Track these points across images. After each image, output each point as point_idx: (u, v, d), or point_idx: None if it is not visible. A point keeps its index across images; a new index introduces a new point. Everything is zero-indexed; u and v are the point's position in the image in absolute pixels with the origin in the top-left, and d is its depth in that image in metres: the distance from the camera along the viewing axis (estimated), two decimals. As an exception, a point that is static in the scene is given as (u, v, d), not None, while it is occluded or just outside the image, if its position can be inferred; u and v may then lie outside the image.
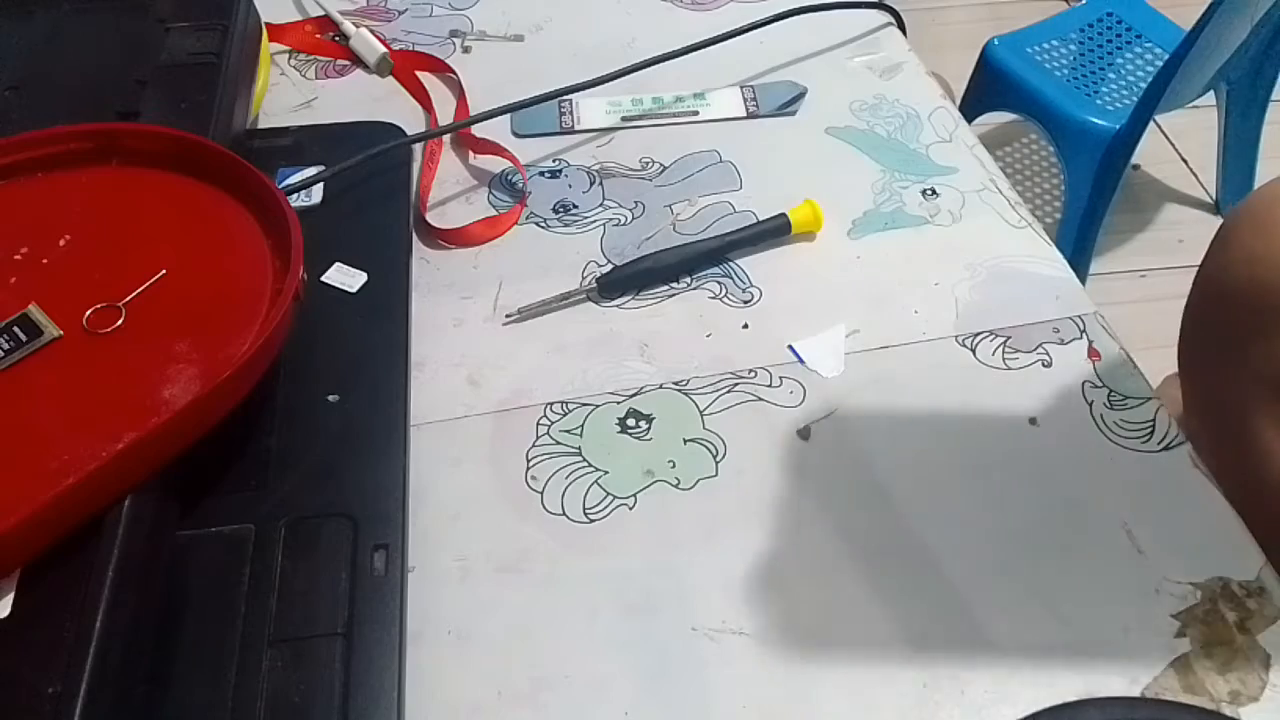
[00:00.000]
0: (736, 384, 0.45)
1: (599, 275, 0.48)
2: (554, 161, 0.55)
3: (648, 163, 0.55)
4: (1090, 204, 1.22)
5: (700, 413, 0.44)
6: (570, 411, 0.44)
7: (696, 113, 0.58)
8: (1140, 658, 0.37)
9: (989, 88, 1.32)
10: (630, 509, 0.41)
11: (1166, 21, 1.40)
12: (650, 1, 0.66)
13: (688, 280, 0.49)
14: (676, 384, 0.45)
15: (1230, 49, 1.14)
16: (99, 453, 0.32)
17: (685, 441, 0.43)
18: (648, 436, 0.43)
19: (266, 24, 0.57)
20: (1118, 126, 1.18)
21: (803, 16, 0.62)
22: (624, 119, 0.58)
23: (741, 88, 0.60)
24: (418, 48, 0.62)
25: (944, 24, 1.81)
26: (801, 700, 0.36)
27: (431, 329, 0.46)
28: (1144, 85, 1.19)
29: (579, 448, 0.43)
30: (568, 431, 0.43)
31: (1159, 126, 1.56)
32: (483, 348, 0.46)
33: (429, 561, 0.39)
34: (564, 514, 0.41)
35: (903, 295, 0.49)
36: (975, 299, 0.48)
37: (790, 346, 0.46)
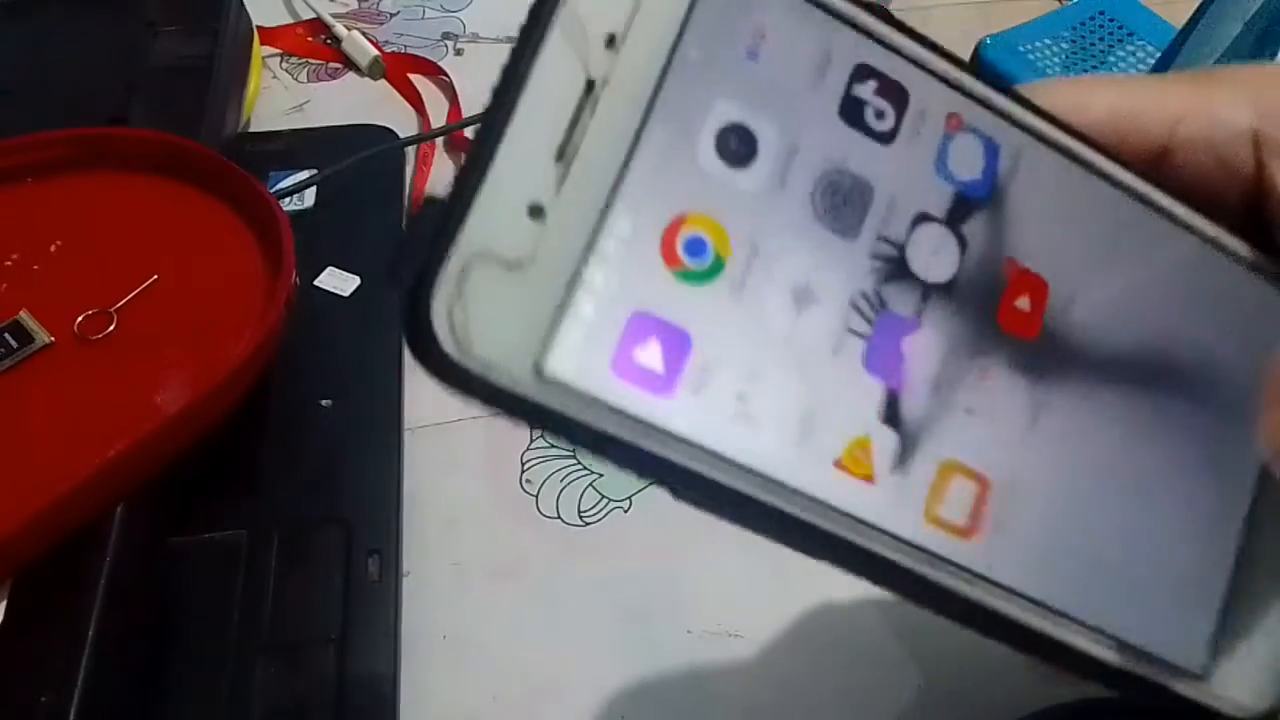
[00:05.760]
0: (731, 386, 0.45)
1: (592, 277, 0.48)
2: (547, 163, 0.55)
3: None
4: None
5: (695, 415, 0.44)
6: (564, 414, 0.44)
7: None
8: (1136, 657, 0.37)
9: (982, 87, 1.32)
10: (625, 511, 0.41)
11: (1158, 19, 1.40)
12: (642, 2, 0.66)
13: (681, 282, 0.49)
14: (671, 386, 0.45)
15: (1222, 46, 1.15)
16: (91, 460, 0.32)
17: (680, 444, 0.43)
18: (642, 439, 0.43)
19: (258, 27, 0.57)
20: (1111, 124, 1.18)
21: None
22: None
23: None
24: (410, 50, 0.61)
25: (935, 22, 1.81)
26: (797, 702, 0.36)
27: (425, 332, 0.46)
28: (1136, 83, 1.19)
29: (573, 450, 0.42)
30: (562, 434, 0.43)
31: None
32: (476, 351, 0.46)
33: (424, 566, 0.39)
34: (559, 517, 0.40)
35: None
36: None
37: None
